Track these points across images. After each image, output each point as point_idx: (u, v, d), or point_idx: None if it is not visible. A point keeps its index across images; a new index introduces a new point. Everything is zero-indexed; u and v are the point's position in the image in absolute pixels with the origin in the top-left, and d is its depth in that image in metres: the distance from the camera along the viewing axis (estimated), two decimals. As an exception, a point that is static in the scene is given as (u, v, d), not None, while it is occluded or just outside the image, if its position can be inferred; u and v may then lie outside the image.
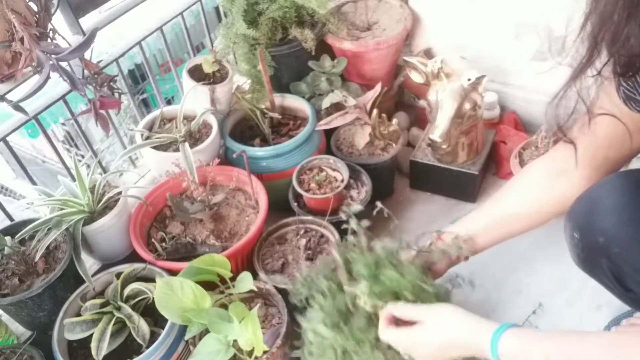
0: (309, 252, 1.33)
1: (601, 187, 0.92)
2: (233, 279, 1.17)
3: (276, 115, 1.55)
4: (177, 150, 1.37)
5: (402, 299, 0.97)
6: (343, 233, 1.12)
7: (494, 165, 1.65)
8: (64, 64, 1.00)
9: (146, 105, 2.97)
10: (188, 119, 1.49)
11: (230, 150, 1.49)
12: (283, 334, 1.11)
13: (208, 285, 1.12)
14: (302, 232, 1.38)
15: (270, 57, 1.53)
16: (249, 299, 1.24)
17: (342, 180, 1.39)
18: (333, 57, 1.63)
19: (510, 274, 1.40)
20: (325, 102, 1.54)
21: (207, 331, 1.07)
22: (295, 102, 1.59)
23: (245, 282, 1.14)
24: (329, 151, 1.56)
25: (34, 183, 1.39)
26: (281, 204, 1.43)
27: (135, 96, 2.75)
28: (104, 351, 1.08)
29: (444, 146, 1.40)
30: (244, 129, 1.60)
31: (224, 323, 1.05)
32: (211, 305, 1.08)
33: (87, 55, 1.09)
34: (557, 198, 0.99)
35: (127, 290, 1.17)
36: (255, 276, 1.20)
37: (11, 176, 2.92)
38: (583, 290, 1.34)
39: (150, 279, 1.21)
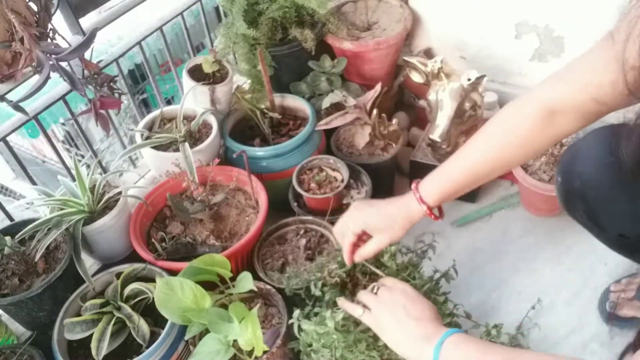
0: (309, 252, 1.33)
1: (585, 138, 1.01)
2: (233, 279, 1.17)
3: (276, 115, 1.55)
4: (177, 150, 1.37)
5: None
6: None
7: (494, 165, 1.65)
8: (64, 64, 1.00)
9: (146, 105, 2.97)
10: (188, 119, 1.49)
11: (230, 150, 1.49)
12: (283, 334, 1.11)
13: (208, 285, 1.12)
14: (302, 232, 1.38)
15: (270, 57, 1.53)
16: (249, 299, 1.24)
17: (342, 180, 1.39)
18: (333, 57, 1.63)
19: (510, 274, 1.40)
20: (325, 102, 1.54)
21: (207, 331, 1.07)
22: (295, 102, 1.59)
23: (245, 282, 1.14)
24: (329, 151, 1.56)
25: (34, 183, 1.39)
26: (281, 204, 1.43)
27: (135, 96, 2.75)
28: (104, 351, 1.08)
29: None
30: (244, 129, 1.60)
31: (224, 323, 1.05)
32: (211, 305, 1.08)
33: (87, 55, 1.09)
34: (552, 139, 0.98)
35: (127, 290, 1.17)
36: (255, 276, 1.20)
37: (11, 176, 2.92)
38: (583, 290, 1.34)
39: (150, 279, 1.21)
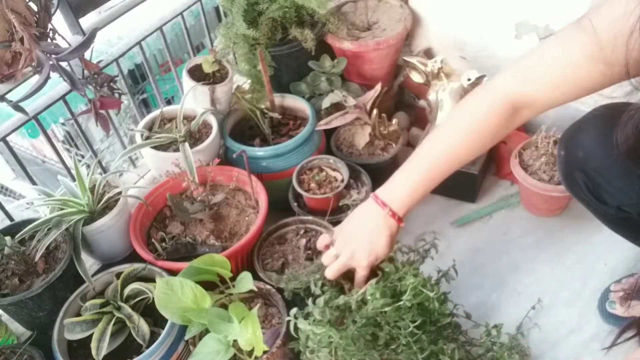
0: (309, 252, 1.33)
1: (590, 113, 1.02)
2: (233, 279, 1.17)
3: (276, 115, 1.55)
4: (177, 150, 1.37)
5: (402, 299, 0.97)
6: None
7: (494, 165, 1.65)
8: (64, 64, 1.00)
9: (146, 105, 2.97)
10: (188, 119, 1.49)
11: (230, 150, 1.49)
12: (283, 334, 1.11)
13: (208, 285, 1.12)
14: (302, 232, 1.38)
15: (270, 57, 1.53)
16: (249, 299, 1.24)
17: (342, 180, 1.39)
18: (333, 57, 1.63)
19: (510, 274, 1.40)
20: (325, 102, 1.54)
21: (207, 331, 1.07)
22: (295, 102, 1.59)
23: (245, 282, 1.14)
24: (329, 151, 1.56)
25: (34, 183, 1.39)
26: (281, 204, 1.43)
27: (135, 96, 2.75)
28: (104, 351, 1.08)
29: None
30: (244, 129, 1.60)
31: (224, 323, 1.05)
32: (211, 305, 1.08)
33: (87, 55, 1.09)
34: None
35: (127, 290, 1.17)
36: (255, 276, 1.20)
37: (11, 176, 2.92)
38: (583, 290, 1.34)
39: (150, 279, 1.21)
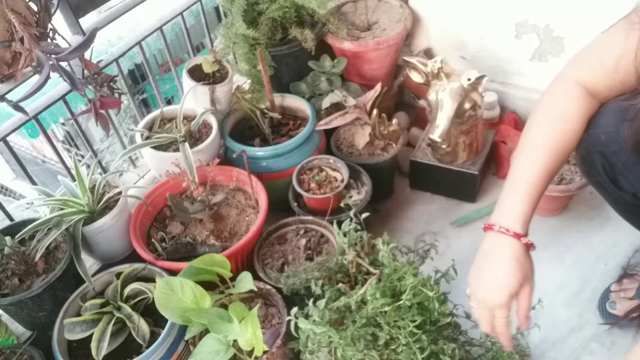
0: (309, 252, 1.33)
1: (612, 99, 0.98)
2: (233, 279, 1.17)
3: (276, 115, 1.55)
4: (177, 150, 1.37)
5: (402, 298, 0.97)
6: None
7: (494, 165, 1.65)
8: (64, 64, 1.00)
9: (146, 105, 2.97)
10: (188, 119, 1.49)
11: (230, 150, 1.49)
12: (283, 334, 1.11)
13: (208, 285, 1.13)
14: (302, 232, 1.38)
15: (270, 57, 1.53)
16: (249, 299, 1.24)
17: (342, 180, 1.39)
18: (333, 57, 1.63)
19: (510, 274, 1.40)
20: (325, 102, 1.54)
21: (207, 331, 1.07)
22: (295, 102, 1.59)
23: (245, 282, 1.14)
24: (329, 151, 1.56)
25: (34, 183, 1.39)
26: (281, 204, 1.43)
27: (135, 96, 2.75)
28: (104, 351, 1.08)
29: (444, 146, 1.40)
30: (244, 129, 1.60)
31: (224, 323, 1.05)
32: (211, 305, 1.08)
33: (87, 55, 1.09)
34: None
35: (127, 290, 1.17)
36: (255, 276, 1.20)
37: (11, 176, 2.92)
38: (583, 290, 1.34)
39: (150, 279, 1.21)
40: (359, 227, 1.11)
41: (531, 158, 0.93)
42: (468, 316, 1.13)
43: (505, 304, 0.89)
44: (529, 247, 0.93)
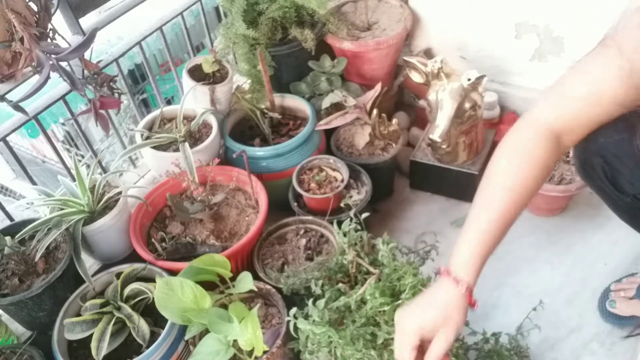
0: (309, 252, 1.33)
1: None
2: (233, 279, 1.17)
3: (276, 115, 1.55)
4: (177, 150, 1.37)
5: (401, 298, 0.97)
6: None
7: (494, 165, 1.65)
8: (64, 64, 1.00)
9: (146, 105, 2.97)
10: (188, 119, 1.49)
11: (230, 150, 1.49)
12: (283, 334, 1.11)
13: (208, 285, 1.12)
14: (302, 232, 1.38)
15: (270, 57, 1.53)
16: (249, 299, 1.24)
17: (342, 180, 1.39)
18: (333, 57, 1.63)
19: (510, 274, 1.40)
20: (325, 102, 1.54)
21: (207, 331, 1.07)
22: (295, 102, 1.59)
23: (245, 282, 1.14)
24: (329, 151, 1.56)
25: (34, 183, 1.39)
26: (281, 204, 1.43)
27: (135, 96, 2.75)
28: (104, 351, 1.08)
29: (444, 146, 1.40)
30: (244, 129, 1.60)
31: (224, 323, 1.05)
32: (211, 305, 1.08)
33: (87, 55, 1.09)
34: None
35: (127, 290, 1.17)
36: (255, 276, 1.20)
37: (11, 176, 2.92)
38: (583, 290, 1.34)
39: (150, 279, 1.21)
40: (359, 227, 1.11)
41: (489, 205, 0.90)
42: (466, 323, 1.13)
43: (409, 334, 0.84)
44: (469, 299, 0.86)
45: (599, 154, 0.98)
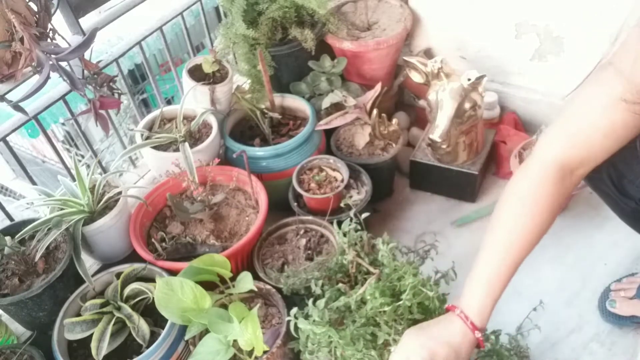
0: (309, 252, 1.33)
1: None
2: (233, 279, 1.17)
3: (276, 115, 1.55)
4: (177, 150, 1.37)
5: (402, 298, 0.97)
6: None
7: (494, 165, 1.65)
8: (63, 64, 1.00)
9: (146, 105, 2.97)
10: (188, 119, 1.49)
11: (230, 150, 1.49)
12: (283, 334, 1.11)
13: (208, 285, 1.12)
14: (302, 232, 1.38)
15: (270, 57, 1.53)
16: (249, 299, 1.24)
17: (342, 180, 1.39)
18: (333, 57, 1.63)
19: (510, 274, 1.40)
20: (325, 102, 1.54)
21: (207, 331, 1.07)
22: (295, 102, 1.59)
23: (245, 282, 1.14)
24: (329, 151, 1.56)
25: (34, 183, 1.39)
26: (281, 204, 1.43)
27: (135, 96, 2.75)
28: (104, 351, 1.08)
29: (444, 146, 1.40)
30: (244, 129, 1.60)
31: (224, 323, 1.05)
32: (211, 305, 1.08)
33: (86, 55, 1.09)
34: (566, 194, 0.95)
35: (127, 290, 1.17)
36: (255, 276, 1.20)
37: (11, 176, 2.92)
38: (583, 290, 1.34)
39: (150, 279, 1.21)
40: (359, 227, 1.11)
41: (498, 249, 0.91)
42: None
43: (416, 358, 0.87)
44: (477, 343, 0.90)
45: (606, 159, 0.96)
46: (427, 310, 1.02)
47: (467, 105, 1.38)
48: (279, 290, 1.20)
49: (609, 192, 1.01)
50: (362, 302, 1.01)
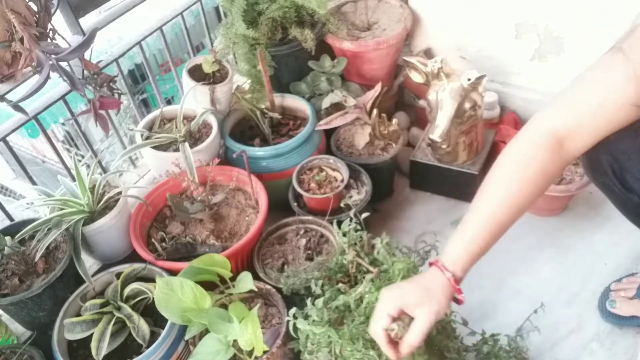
0: (309, 252, 1.33)
1: None
2: (233, 279, 1.17)
3: (276, 115, 1.55)
4: (177, 150, 1.37)
5: None
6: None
7: (494, 165, 1.65)
8: (63, 64, 1.00)
9: (146, 105, 2.97)
10: (188, 119, 1.49)
11: (230, 150, 1.49)
12: (283, 334, 1.11)
13: (208, 285, 1.12)
14: (302, 232, 1.38)
15: (270, 57, 1.53)
16: (249, 299, 1.24)
17: (342, 180, 1.39)
18: (333, 57, 1.63)
19: (510, 274, 1.40)
20: (325, 102, 1.54)
21: (207, 331, 1.07)
22: (295, 102, 1.59)
23: (245, 282, 1.14)
24: (329, 151, 1.56)
25: (34, 183, 1.39)
26: (281, 204, 1.43)
27: (135, 96, 2.75)
28: (104, 351, 1.08)
29: (444, 146, 1.40)
30: (244, 129, 1.60)
31: (224, 323, 1.05)
32: (211, 305, 1.08)
33: (86, 55, 1.09)
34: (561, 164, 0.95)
35: (127, 290, 1.17)
36: (255, 276, 1.20)
37: (11, 176, 2.92)
38: (583, 290, 1.34)
39: (150, 279, 1.21)
40: (358, 227, 1.11)
41: (484, 209, 0.92)
42: (465, 323, 1.13)
43: (389, 303, 0.88)
44: (455, 289, 0.89)
45: (607, 151, 0.96)
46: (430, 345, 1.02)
47: (467, 105, 1.38)
48: (279, 290, 1.20)
49: (612, 186, 1.00)
50: (361, 300, 1.01)
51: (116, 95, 1.15)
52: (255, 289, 1.16)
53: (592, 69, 0.87)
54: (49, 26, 1.01)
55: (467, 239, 0.90)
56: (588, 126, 0.88)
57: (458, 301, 0.92)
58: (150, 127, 1.49)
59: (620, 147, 0.94)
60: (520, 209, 0.91)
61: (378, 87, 1.51)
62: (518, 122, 1.69)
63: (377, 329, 0.88)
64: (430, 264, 0.93)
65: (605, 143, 0.94)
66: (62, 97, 1.34)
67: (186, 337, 1.10)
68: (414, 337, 0.85)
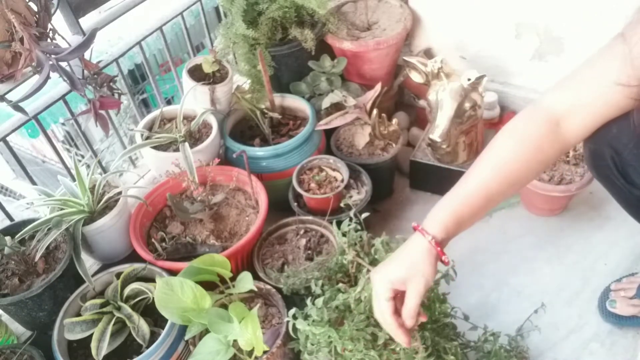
0: (309, 252, 1.33)
1: None
2: (233, 279, 1.17)
3: (276, 115, 1.55)
4: (177, 150, 1.37)
5: None
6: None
7: (494, 165, 1.65)
8: (63, 64, 1.00)
9: (146, 105, 2.97)
10: (188, 119, 1.50)
11: (230, 150, 1.49)
12: (283, 334, 1.11)
13: (208, 285, 1.13)
14: (302, 232, 1.38)
15: (270, 57, 1.53)
16: (249, 299, 1.24)
17: (342, 180, 1.39)
18: (333, 57, 1.63)
19: (510, 274, 1.40)
20: (325, 102, 1.54)
21: (207, 331, 1.07)
22: (295, 102, 1.59)
23: (245, 282, 1.14)
24: (329, 151, 1.56)
25: (34, 183, 1.39)
26: (281, 204, 1.43)
27: (135, 96, 2.75)
28: (104, 351, 1.08)
29: (444, 146, 1.40)
30: (244, 129, 1.60)
31: (224, 323, 1.05)
32: (211, 305, 1.08)
33: (86, 55, 1.09)
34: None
35: (127, 290, 1.17)
36: (255, 276, 1.20)
37: (11, 176, 2.92)
38: (583, 290, 1.34)
39: (150, 279, 1.21)
40: (358, 227, 1.11)
41: (472, 179, 0.92)
42: (466, 318, 1.13)
43: (381, 288, 0.88)
44: (437, 251, 0.89)
45: (610, 144, 0.96)
46: (428, 309, 1.02)
47: (467, 105, 1.38)
48: (279, 290, 1.20)
49: (614, 179, 1.00)
50: (361, 300, 1.01)
51: (116, 95, 1.15)
52: (255, 289, 1.16)
53: (595, 54, 0.88)
54: (49, 26, 1.01)
55: (454, 204, 0.91)
56: (586, 106, 0.88)
57: (444, 262, 0.92)
58: (150, 127, 1.49)
59: (622, 140, 0.93)
60: (511, 183, 0.91)
61: (378, 87, 1.51)
62: (518, 122, 1.68)
63: (385, 315, 0.88)
64: (414, 229, 0.93)
65: (607, 136, 0.94)
66: (62, 97, 1.34)
67: (186, 337, 1.10)
68: (407, 311, 0.87)
